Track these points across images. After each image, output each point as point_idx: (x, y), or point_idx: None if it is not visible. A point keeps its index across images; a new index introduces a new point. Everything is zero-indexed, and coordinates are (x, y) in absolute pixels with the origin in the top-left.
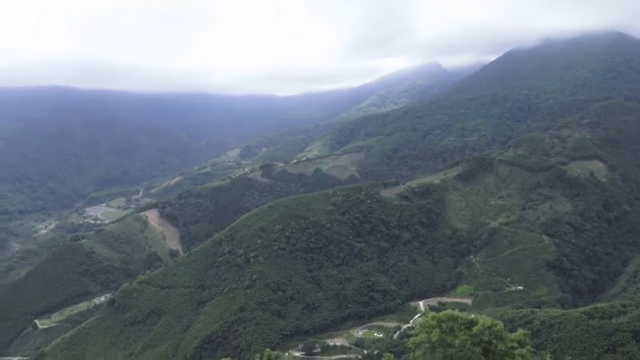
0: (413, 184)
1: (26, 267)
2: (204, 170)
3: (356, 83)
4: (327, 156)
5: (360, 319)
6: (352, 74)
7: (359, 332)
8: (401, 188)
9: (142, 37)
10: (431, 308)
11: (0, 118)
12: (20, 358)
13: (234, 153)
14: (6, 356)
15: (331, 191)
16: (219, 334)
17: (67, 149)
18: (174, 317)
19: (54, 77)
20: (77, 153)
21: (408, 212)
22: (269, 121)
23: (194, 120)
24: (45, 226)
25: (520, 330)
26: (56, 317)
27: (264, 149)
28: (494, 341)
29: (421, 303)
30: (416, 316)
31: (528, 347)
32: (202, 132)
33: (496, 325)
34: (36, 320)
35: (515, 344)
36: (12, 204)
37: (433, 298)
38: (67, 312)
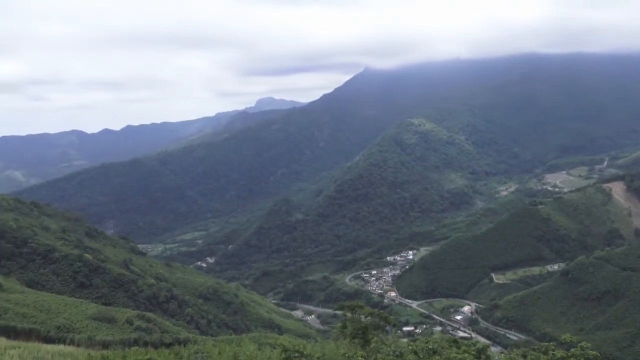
0: None
1: (486, 223)
2: None
3: None
4: None
5: None
6: None
7: None
8: None
9: None
10: None
11: (473, 87)
12: (477, 304)
13: None
14: (466, 299)
15: None
16: None
17: (532, 114)
18: (634, 304)
19: (523, 44)
20: (541, 119)
21: None
22: None
23: None
24: (506, 188)
25: None
26: (510, 275)
27: None
28: None
29: None
30: None
31: None
32: None
33: None
34: (492, 274)
35: None
36: (479, 165)
37: None
38: (520, 272)
